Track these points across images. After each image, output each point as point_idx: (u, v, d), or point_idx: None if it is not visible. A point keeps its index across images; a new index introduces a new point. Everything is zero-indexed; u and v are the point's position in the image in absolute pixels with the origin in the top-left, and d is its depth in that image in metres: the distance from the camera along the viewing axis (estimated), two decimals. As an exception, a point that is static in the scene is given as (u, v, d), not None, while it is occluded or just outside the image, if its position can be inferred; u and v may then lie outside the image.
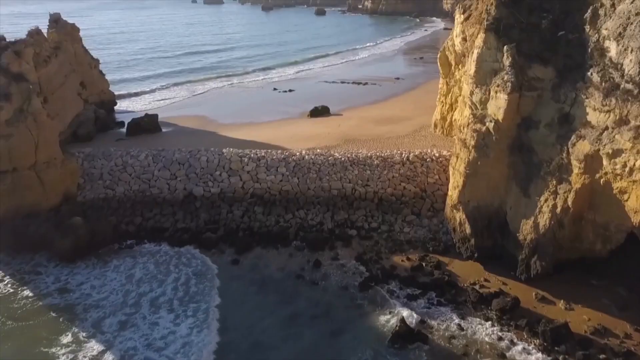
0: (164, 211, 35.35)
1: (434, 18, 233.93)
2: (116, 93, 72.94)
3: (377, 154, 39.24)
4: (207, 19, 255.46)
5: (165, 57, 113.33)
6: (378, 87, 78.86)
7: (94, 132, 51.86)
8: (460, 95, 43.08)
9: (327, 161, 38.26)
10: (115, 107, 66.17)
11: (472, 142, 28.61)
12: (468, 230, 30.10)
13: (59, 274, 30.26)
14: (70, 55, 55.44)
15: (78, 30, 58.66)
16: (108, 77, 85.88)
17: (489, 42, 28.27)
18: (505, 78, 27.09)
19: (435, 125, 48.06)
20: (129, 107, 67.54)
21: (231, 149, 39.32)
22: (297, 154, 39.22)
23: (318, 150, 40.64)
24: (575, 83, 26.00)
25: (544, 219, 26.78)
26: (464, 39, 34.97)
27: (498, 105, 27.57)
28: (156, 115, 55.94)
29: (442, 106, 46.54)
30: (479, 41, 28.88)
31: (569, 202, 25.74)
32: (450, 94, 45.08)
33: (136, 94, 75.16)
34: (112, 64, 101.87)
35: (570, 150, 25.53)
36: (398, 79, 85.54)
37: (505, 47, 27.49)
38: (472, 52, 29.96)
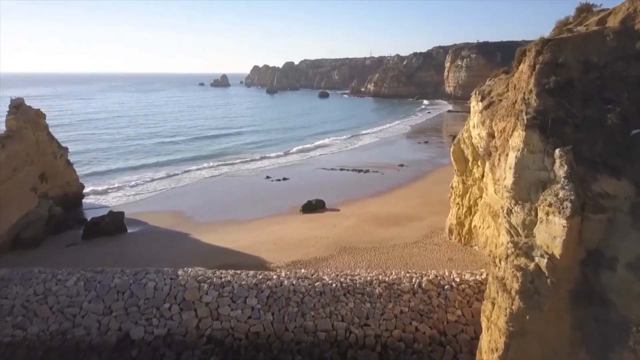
0: (85, 364, 25.65)
1: (438, 100, 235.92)
2: (101, 187, 65.51)
3: (380, 277, 29.98)
4: (212, 102, 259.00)
5: (163, 144, 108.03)
6: (380, 176, 71.57)
7: (43, 235, 43.88)
8: (480, 197, 34.78)
9: (314, 288, 28.95)
10: (86, 201, 58.60)
11: (516, 286, 19.47)
12: (516, 416, 20.05)
13: None
14: (30, 144, 49.10)
15: (43, 116, 52.80)
16: (95, 167, 79.69)
17: (531, 144, 20.07)
18: (561, 195, 18.53)
19: (451, 231, 39.21)
20: (99, 201, 59.62)
21: (189, 270, 30.28)
22: (275, 277, 30.03)
23: (302, 272, 31.48)
24: (669, 208, 17.40)
25: (641, 417, 16.93)
26: (490, 135, 27.04)
27: (552, 233, 18.79)
28: (122, 214, 47.87)
29: (458, 209, 37.99)
30: (516, 141, 20.74)
31: (684, 396, 16.09)
32: (468, 195, 36.77)
33: (119, 187, 67.08)
34: (101, 151, 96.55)
35: (676, 310, 16.35)
36: (402, 165, 78.70)
37: (557, 150, 19.26)
38: (507, 155, 21.79)
